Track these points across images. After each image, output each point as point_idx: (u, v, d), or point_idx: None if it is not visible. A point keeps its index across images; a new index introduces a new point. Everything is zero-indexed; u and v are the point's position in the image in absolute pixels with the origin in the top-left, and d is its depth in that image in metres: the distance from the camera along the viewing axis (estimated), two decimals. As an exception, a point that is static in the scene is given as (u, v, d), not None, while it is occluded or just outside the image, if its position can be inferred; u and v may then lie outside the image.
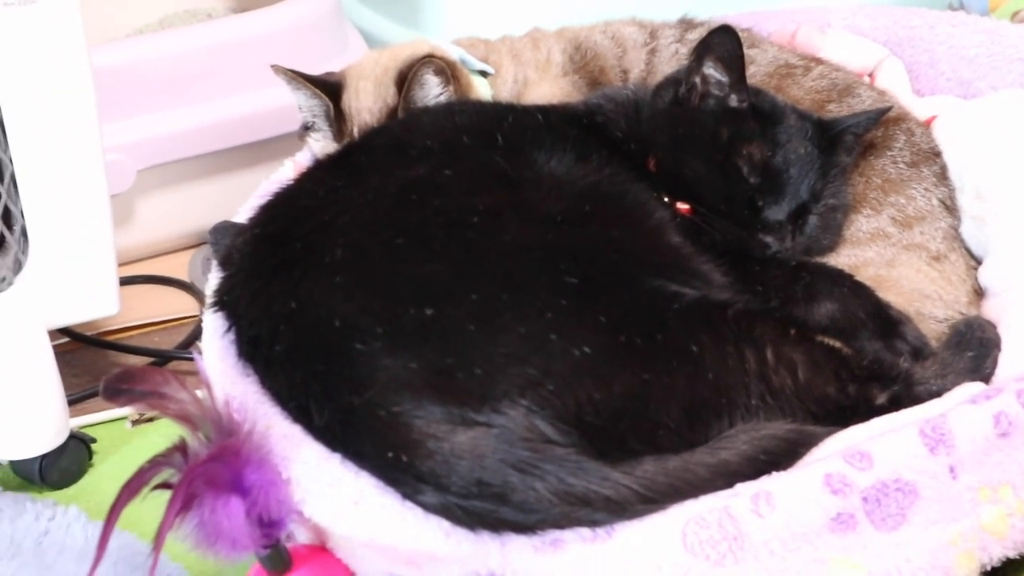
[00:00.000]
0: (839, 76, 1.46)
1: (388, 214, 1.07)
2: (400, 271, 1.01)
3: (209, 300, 1.15)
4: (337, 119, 1.43)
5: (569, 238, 1.06)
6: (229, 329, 1.09)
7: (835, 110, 1.40)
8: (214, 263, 1.24)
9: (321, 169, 1.24)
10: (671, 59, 1.49)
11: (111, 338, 1.60)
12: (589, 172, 1.17)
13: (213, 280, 1.19)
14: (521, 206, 1.08)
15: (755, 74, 1.43)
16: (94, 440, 1.37)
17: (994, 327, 1.17)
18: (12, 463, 1.33)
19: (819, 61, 1.50)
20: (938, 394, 1.07)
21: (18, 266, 1.27)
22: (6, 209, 1.24)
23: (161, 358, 1.55)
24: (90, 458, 1.36)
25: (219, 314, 1.11)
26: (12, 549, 1.22)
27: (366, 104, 1.43)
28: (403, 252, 1.03)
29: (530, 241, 1.04)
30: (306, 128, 1.46)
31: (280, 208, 1.16)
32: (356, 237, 1.04)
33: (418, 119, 1.33)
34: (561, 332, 0.97)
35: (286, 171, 1.40)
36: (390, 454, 0.93)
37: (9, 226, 1.26)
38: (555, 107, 1.35)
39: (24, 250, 1.26)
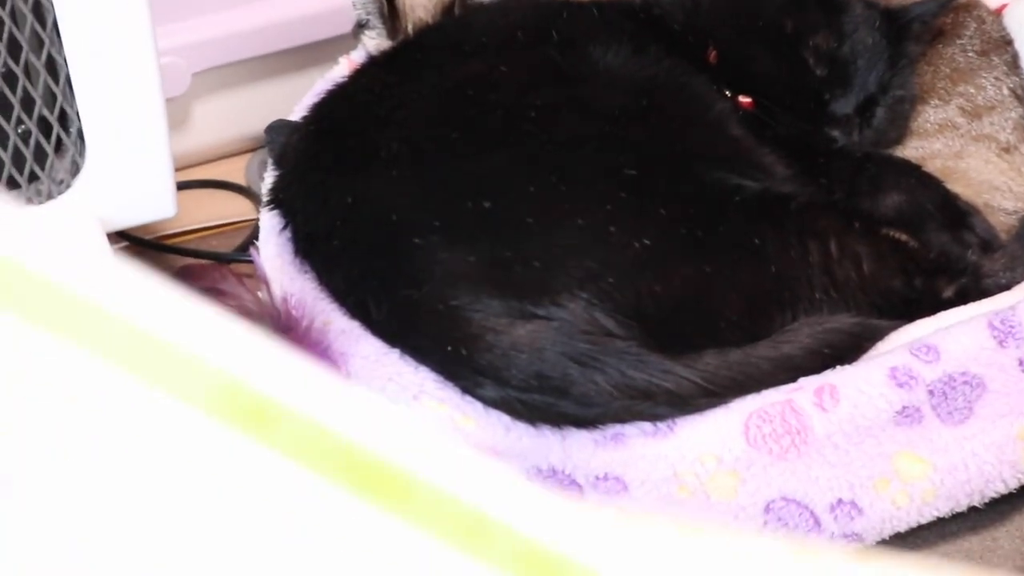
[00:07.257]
0: (906, -38, 1.41)
1: (444, 109, 1.06)
2: (457, 165, 1.00)
3: (265, 198, 1.14)
4: (391, 16, 1.41)
5: (627, 131, 1.05)
6: (285, 227, 1.08)
7: (902, -3, 1.36)
8: (270, 163, 1.24)
9: (375, 66, 1.23)
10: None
11: (169, 243, 1.60)
12: (646, 66, 1.14)
13: (269, 178, 1.18)
14: (577, 101, 1.06)
15: (818, -38, 1.39)
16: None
17: (1066, 219, 1.14)
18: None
19: (885, -54, 1.45)
20: (1007, 287, 1.04)
21: (76, 168, 1.27)
22: (62, 110, 1.25)
23: (219, 260, 1.55)
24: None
25: (275, 212, 1.10)
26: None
27: (420, 0, 1.41)
28: (459, 146, 1.01)
29: (588, 134, 1.03)
30: (360, 26, 1.44)
31: (335, 104, 1.14)
32: (412, 131, 1.03)
33: (472, 18, 1.31)
34: (621, 224, 0.95)
35: (340, 69, 1.38)
36: (449, 348, 0.92)
37: (66, 128, 1.26)
38: (611, 1, 1.32)
39: (81, 152, 1.27)
